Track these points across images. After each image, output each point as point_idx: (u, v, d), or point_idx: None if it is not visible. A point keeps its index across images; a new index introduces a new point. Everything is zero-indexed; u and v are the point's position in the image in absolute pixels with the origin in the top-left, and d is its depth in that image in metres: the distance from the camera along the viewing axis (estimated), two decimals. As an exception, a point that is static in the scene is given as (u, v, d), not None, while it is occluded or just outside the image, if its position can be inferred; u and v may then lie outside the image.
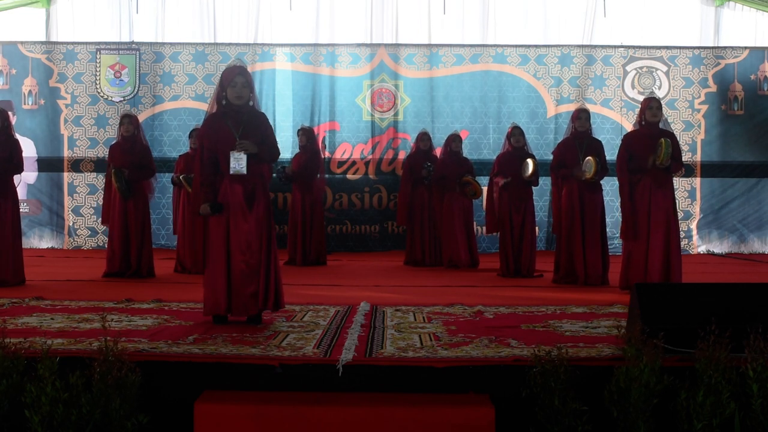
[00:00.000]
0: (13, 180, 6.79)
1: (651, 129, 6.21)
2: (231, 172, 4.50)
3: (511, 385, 3.33)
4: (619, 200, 6.50)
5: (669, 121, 11.09)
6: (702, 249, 11.20)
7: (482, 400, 3.33)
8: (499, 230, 7.82)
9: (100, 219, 8.30)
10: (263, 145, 4.59)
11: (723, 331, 3.15)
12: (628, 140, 6.35)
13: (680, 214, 11.17)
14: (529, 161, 7.57)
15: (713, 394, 3.06)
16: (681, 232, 11.13)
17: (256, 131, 4.59)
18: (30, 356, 3.28)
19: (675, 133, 11.14)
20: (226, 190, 4.53)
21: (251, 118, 4.61)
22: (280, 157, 4.84)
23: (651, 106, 6.20)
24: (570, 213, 7.01)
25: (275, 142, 4.72)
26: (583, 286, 6.79)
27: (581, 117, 7.15)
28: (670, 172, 6.24)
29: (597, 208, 7.04)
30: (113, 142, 7.78)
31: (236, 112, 4.58)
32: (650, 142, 6.12)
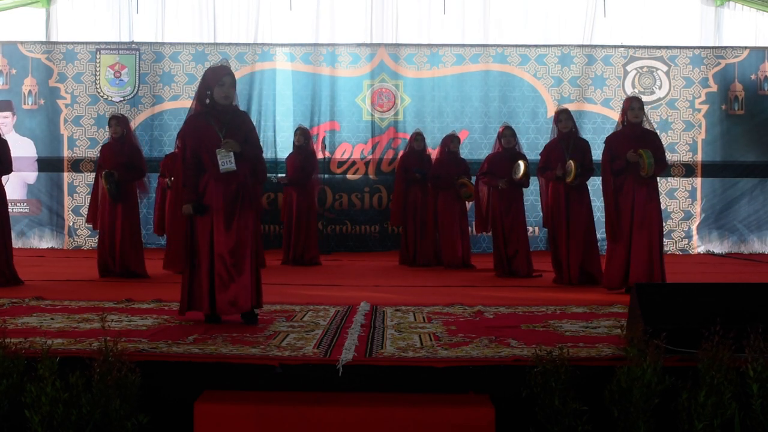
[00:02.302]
0: (0, 180, 6.76)
1: (633, 129, 6.19)
2: (221, 170, 4.50)
3: (511, 385, 3.33)
4: (603, 202, 6.47)
5: (669, 120, 11.14)
6: (702, 249, 11.20)
7: (482, 400, 3.33)
8: (490, 231, 7.83)
9: (86, 218, 8.16)
10: (246, 144, 4.60)
11: (725, 332, 3.15)
12: (611, 141, 6.33)
13: (680, 214, 11.21)
14: (521, 163, 7.55)
15: (715, 394, 3.05)
16: (681, 232, 11.16)
17: (240, 130, 4.60)
18: (30, 356, 3.27)
19: (673, 131, 11.22)
20: (211, 190, 4.53)
21: (234, 118, 4.63)
22: (263, 152, 4.95)
23: (633, 107, 6.17)
24: (556, 213, 7.01)
25: (257, 141, 4.78)
26: (568, 285, 6.79)
27: (561, 118, 7.15)
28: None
29: (582, 208, 7.02)
30: (104, 143, 7.77)
31: (220, 111, 4.58)
32: (633, 143, 6.09)
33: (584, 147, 7.13)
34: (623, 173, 6.16)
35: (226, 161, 4.49)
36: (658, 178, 6.34)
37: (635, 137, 6.13)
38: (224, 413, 3.25)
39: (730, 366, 3.10)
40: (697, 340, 3.21)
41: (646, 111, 6.36)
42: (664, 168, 6.47)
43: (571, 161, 6.88)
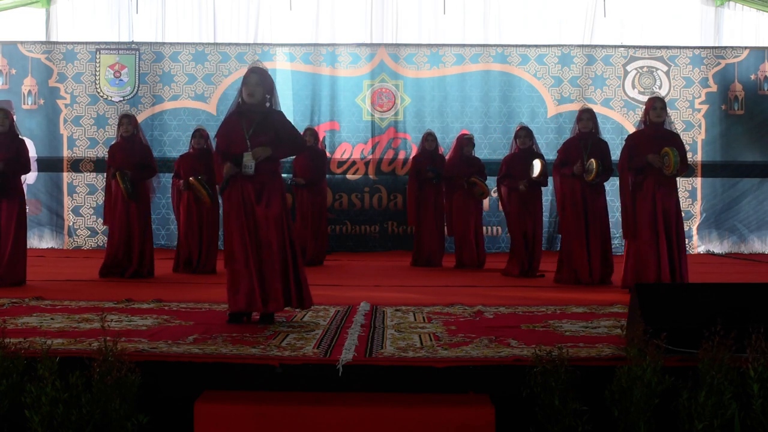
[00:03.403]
0: (20, 180, 6.77)
1: (655, 129, 6.19)
2: (242, 171, 4.55)
3: (511, 385, 3.33)
4: (620, 200, 6.48)
5: (670, 121, 11.12)
6: (702, 249, 11.19)
7: (482, 400, 3.32)
8: (510, 231, 7.85)
9: (102, 220, 8.22)
10: (278, 143, 4.59)
11: (726, 332, 3.15)
12: (632, 140, 6.33)
13: (681, 215, 11.19)
14: (537, 162, 7.55)
15: (715, 394, 3.05)
16: (681, 232, 11.15)
17: (268, 130, 4.60)
18: (30, 356, 3.27)
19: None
20: (240, 187, 4.55)
21: (265, 117, 4.63)
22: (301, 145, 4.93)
23: (655, 107, 6.17)
24: (573, 213, 7.00)
25: (295, 135, 4.75)
26: (585, 285, 6.79)
27: (583, 117, 7.12)
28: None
29: (599, 209, 7.03)
30: (113, 143, 7.78)
31: (249, 111, 4.61)
32: (654, 142, 6.09)
33: (604, 148, 7.09)
34: (642, 172, 6.16)
35: (250, 165, 4.54)
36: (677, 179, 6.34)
37: (656, 137, 6.12)
38: (224, 413, 3.25)
39: (731, 366, 3.10)
40: (697, 340, 3.21)
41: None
42: (687, 169, 6.45)
43: (593, 160, 6.87)
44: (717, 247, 11.23)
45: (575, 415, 3.12)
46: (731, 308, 3.56)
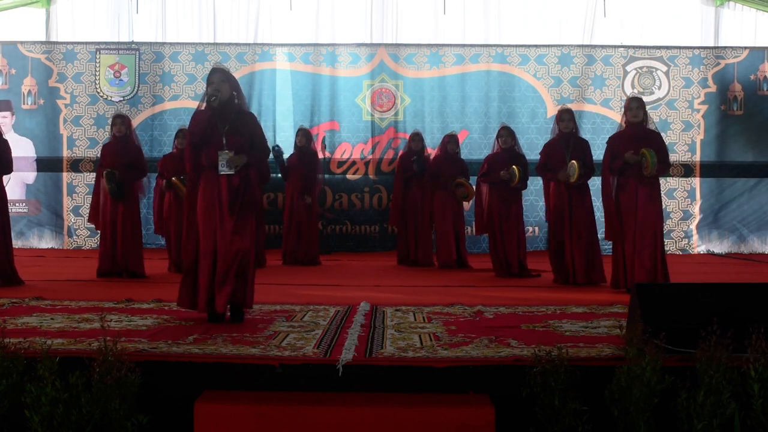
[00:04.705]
0: (1, 180, 6.73)
1: (634, 129, 6.20)
2: (219, 172, 4.57)
3: (511, 385, 3.33)
4: (602, 202, 6.47)
5: (668, 121, 11.14)
6: (702, 249, 11.20)
7: (482, 400, 3.33)
8: (488, 232, 7.83)
9: (88, 217, 8.21)
10: (252, 148, 4.63)
11: (725, 332, 3.15)
12: (612, 142, 6.35)
13: (680, 214, 11.21)
14: (515, 168, 7.52)
15: (714, 394, 3.05)
16: (681, 232, 11.17)
17: (244, 131, 4.62)
18: (30, 356, 3.27)
19: (672, 132, 11.22)
20: (213, 184, 4.57)
21: (239, 117, 4.64)
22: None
23: (631, 107, 6.20)
24: (558, 213, 7.01)
25: (263, 143, 4.76)
26: (573, 285, 6.79)
27: (564, 118, 7.14)
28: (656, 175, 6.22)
29: (584, 209, 7.01)
30: (106, 142, 7.80)
31: (222, 108, 4.60)
32: (633, 142, 6.10)
33: (585, 147, 7.12)
34: (624, 173, 6.17)
35: (226, 165, 4.57)
36: (660, 179, 6.35)
37: (636, 137, 6.14)
38: (224, 413, 3.25)
39: (729, 366, 3.10)
40: (697, 340, 3.21)
41: (647, 111, 6.37)
42: (667, 168, 6.47)
43: (573, 161, 6.88)
44: (717, 247, 11.23)
45: (575, 415, 3.13)
46: (731, 308, 3.57)
